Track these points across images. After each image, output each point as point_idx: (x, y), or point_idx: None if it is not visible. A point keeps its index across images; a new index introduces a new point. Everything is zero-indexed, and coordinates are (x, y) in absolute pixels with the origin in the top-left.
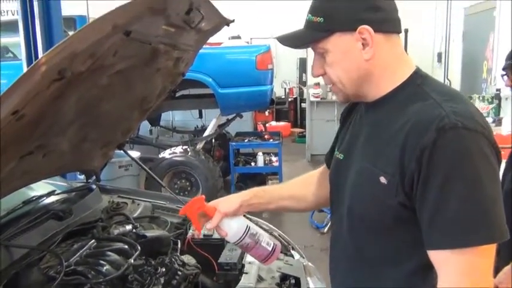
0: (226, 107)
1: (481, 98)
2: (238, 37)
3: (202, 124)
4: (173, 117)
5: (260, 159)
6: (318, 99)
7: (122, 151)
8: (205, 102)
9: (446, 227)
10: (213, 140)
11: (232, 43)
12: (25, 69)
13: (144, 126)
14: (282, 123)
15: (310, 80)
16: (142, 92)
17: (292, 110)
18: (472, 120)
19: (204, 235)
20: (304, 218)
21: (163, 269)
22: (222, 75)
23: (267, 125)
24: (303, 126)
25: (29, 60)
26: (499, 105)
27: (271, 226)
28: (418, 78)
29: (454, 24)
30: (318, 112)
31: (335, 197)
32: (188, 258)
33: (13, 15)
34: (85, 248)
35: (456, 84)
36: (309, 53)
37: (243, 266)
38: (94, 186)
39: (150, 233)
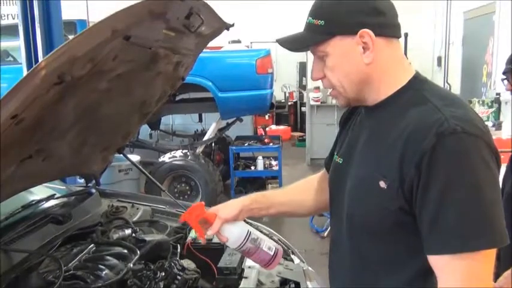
0: (226, 111)
1: (480, 102)
2: (239, 41)
3: (202, 128)
4: (173, 121)
5: (260, 163)
6: (318, 103)
7: (121, 155)
8: (205, 106)
9: (446, 232)
10: (213, 144)
11: (233, 47)
12: (25, 73)
13: (144, 130)
14: (282, 127)
15: (310, 83)
16: (142, 96)
17: (292, 114)
18: (471, 125)
19: None
20: (305, 222)
21: (163, 274)
22: (222, 79)
23: (267, 128)
24: (303, 130)
25: (29, 64)
26: (498, 110)
27: (271, 230)
28: (417, 82)
29: (454, 28)
30: (318, 116)
31: (334, 201)
32: (188, 263)
33: (13, 19)
34: (84, 253)
35: (456, 88)
36: (308, 57)
37: (242, 270)
38: (93, 190)
39: (149, 238)
